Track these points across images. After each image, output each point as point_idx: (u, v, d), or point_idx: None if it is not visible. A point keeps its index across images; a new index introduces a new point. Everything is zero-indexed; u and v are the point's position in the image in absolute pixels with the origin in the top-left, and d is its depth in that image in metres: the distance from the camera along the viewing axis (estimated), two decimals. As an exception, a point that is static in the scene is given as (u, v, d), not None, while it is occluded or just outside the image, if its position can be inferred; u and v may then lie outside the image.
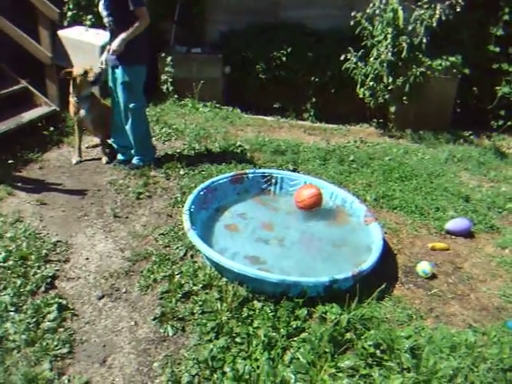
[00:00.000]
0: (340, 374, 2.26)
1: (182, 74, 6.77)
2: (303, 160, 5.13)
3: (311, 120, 7.09)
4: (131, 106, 4.23)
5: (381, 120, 6.88)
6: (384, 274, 3.11)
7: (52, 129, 4.91)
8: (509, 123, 6.68)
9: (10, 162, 4.27)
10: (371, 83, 6.31)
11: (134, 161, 4.55)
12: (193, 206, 3.30)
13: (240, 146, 5.22)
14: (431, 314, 2.88)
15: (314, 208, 3.75)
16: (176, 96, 7.08)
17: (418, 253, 3.55)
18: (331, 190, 3.87)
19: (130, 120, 4.34)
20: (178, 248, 3.21)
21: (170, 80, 6.85)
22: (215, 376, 2.21)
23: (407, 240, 3.72)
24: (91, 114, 4.44)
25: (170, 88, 6.91)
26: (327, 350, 2.35)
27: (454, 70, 6.27)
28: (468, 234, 3.87)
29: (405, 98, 6.31)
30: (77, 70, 4.20)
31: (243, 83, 7.06)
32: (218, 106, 7.14)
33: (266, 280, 2.63)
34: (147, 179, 4.25)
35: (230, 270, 2.73)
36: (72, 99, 4.36)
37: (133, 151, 4.54)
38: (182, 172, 4.44)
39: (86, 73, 4.18)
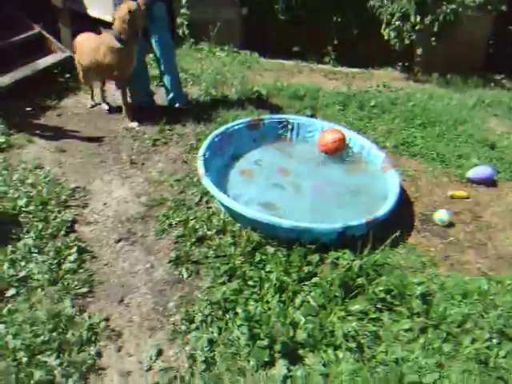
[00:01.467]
0: (349, 318, 2.30)
1: (198, 16, 6.52)
2: (322, 105, 4.98)
3: (332, 64, 6.81)
4: (170, 41, 4.30)
5: (406, 63, 6.56)
6: (399, 221, 3.08)
7: (68, 75, 4.87)
8: (545, 66, 6.28)
9: (27, 109, 4.29)
10: (397, 23, 5.94)
11: (177, 104, 4.55)
12: (207, 152, 3.28)
13: (257, 91, 5.09)
14: (446, 261, 2.86)
15: (336, 153, 3.69)
16: (192, 40, 6.87)
17: (436, 201, 3.48)
18: (349, 136, 3.77)
19: (169, 58, 4.36)
20: (193, 194, 3.23)
21: (186, 23, 6.62)
22: (227, 316, 2.28)
23: (426, 188, 3.64)
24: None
25: (186, 31, 6.69)
26: (337, 295, 2.39)
27: (489, 7, 5.81)
28: (490, 183, 3.75)
29: (433, 38, 5.94)
30: (129, 4, 3.66)
31: (261, 25, 6.77)
32: (235, 50, 6.90)
33: (278, 226, 2.64)
34: (163, 126, 4.22)
35: (243, 216, 2.75)
36: (121, 46, 3.79)
37: (170, 96, 4.53)
38: (197, 118, 4.39)
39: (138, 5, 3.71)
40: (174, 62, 4.52)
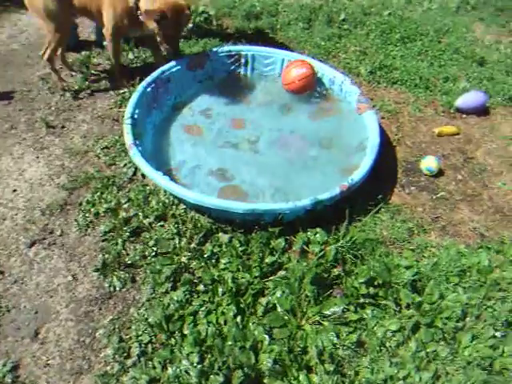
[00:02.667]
0: (325, 324, 1.86)
1: None
2: (282, 24, 4.15)
3: (294, -34, 5.73)
4: None
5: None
6: (380, 176, 2.55)
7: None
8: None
9: None
10: None
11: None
12: (137, 111, 2.57)
13: (204, 12, 4.16)
14: (436, 224, 2.39)
15: (304, 91, 3.03)
16: None
17: (421, 142, 2.93)
18: (316, 68, 3.05)
19: None
20: (125, 166, 2.59)
21: None
22: (173, 341, 1.80)
23: (409, 125, 3.06)
24: None
25: None
26: (309, 294, 1.92)
27: None
28: (482, 111, 3.19)
29: None
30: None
31: None
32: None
33: (231, 211, 2.07)
34: (88, 70, 3.40)
35: (185, 201, 2.16)
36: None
37: (99, 29, 3.59)
38: (131, 55, 3.55)
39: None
40: None
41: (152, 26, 2.67)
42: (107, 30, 2.88)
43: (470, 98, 3.18)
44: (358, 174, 2.26)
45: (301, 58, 3.14)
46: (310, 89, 3.04)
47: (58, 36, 2.92)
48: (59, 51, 3.20)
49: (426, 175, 2.68)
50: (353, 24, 4.20)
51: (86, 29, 3.96)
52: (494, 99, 3.31)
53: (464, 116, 3.18)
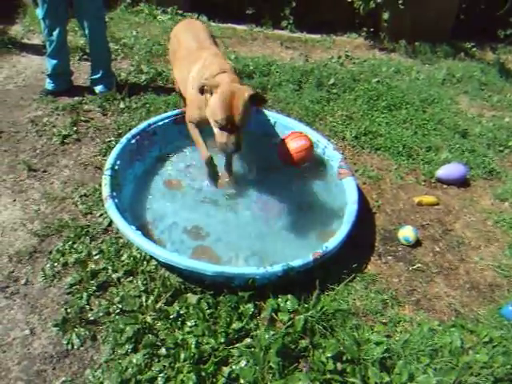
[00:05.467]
0: (289, 399, 1.77)
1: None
2: (274, 84, 4.29)
3: (290, 29, 6.03)
4: (101, 12, 3.55)
5: (371, 29, 5.88)
6: (357, 243, 2.54)
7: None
8: (518, 33, 5.75)
9: None
10: (361, -17, 5.21)
11: (101, 89, 3.76)
12: (118, 162, 2.58)
13: (198, 67, 4.30)
14: (411, 297, 2.36)
15: (303, 163, 2.98)
16: (129, 0, 5.92)
17: (401, 210, 2.95)
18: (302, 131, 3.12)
19: (99, 33, 3.60)
20: (101, 216, 2.56)
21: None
22: (126, 410, 1.70)
23: (390, 192, 3.10)
24: None
25: (120, -11, 5.74)
26: (274, 366, 1.84)
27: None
28: (462, 182, 3.25)
29: (400, 1, 5.27)
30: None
31: (209, -17, 5.88)
32: (180, 12, 6.01)
33: (199, 272, 2.03)
34: (77, 116, 3.45)
35: (155, 258, 2.13)
36: None
37: (94, 76, 3.75)
38: (122, 105, 3.63)
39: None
40: (105, 32, 3.69)
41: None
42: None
43: (450, 169, 3.25)
44: (332, 242, 2.25)
45: (279, 119, 3.20)
46: (309, 160, 2.99)
47: None
48: None
49: (403, 245, 2.67)
50: (342, 89, 4.35)
51: (82, 75, 4.06)
52: (474, 171, 3.38)
53: (445, 187, 3.23)
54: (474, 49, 5.89)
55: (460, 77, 4.98)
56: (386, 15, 5.54)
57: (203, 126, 2.55)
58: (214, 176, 2.70)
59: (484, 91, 4.79)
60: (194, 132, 2.68)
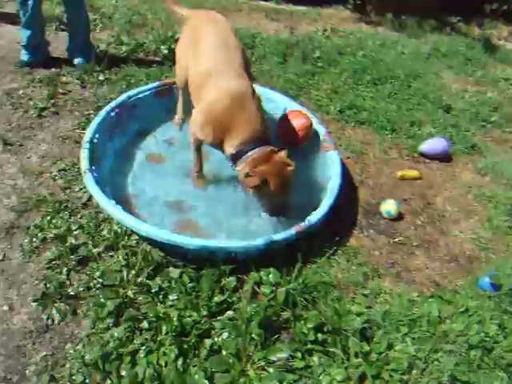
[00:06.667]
0: (270, 369, 1.79)
1: None
2: (258, 57, 4.22)
3: (276, 0, 5.88)
4: None
5: (358, 1, 5.76)
6: (340, 217, 2.55)
7: None
8: (504, 7, 5.71)
9: None
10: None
11: (79, 60, 3.63)
12: (97, 135, 2.51)
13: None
14: (392, 269, 2.39)
15: (303, 142, 2.87)
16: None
17: (383, 184, 2.96)
18: (284, 105, 3.08)
19: (79, 2, 3.46)
20: (80, 190, 2.51)
21: None
22: (108, 382, 1.70)
23: (373, 167, 3.10)
24: None
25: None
26: (256, 337, 1.86)
27: None
28: (445, 157, 3.27)
29: (388, -27, 5.18)
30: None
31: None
32: (161, -20, 5.80)
33: (181, 246, 2.02)
34: (55, 88, 3.34)
35: (136, 233, 2.10)
36: None
37: (72, 45, 3.63)
38: (101, 77, 3.52)
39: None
40: (85, 5, 3.56)
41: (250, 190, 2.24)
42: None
43: (433, 144, 3.26)
44: (315, 215, 2.25)
45: (262, 91, 3.14)
46: (309, 139, 2.89)
47: None
48: None
49: (385, 218, 2.69)
50: (327, 62, 4.29)
51: (60, 46, 3.92)
52: (456, 146, 3.40)
53: (427, 161, 3.24)
54: (461, 23, 5.85)
55: (445, 51, 4.96)
56: (372, -13, 5.43)
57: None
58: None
59: (468, 66, 4.78)
60: (196, 155, 2.52)
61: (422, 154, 3.25)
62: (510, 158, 3.36)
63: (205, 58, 2.37)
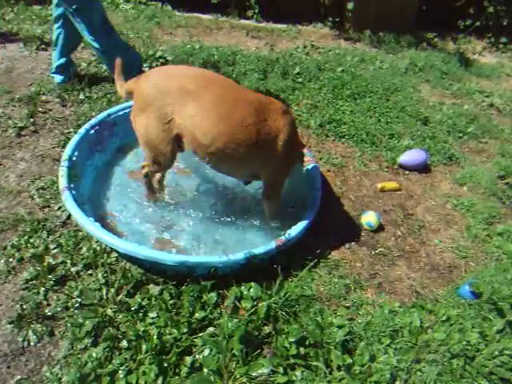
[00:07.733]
0: (252, 385, 1.77)
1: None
2: (239, 74, 4.26)
3: (256, 18, 5.99)
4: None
5: (337, 19, 5.90)
6: (321, 229, 2.56)
7: None
8: (477, 23, 5.90)
9: None
10: (324, -28, 5.22)
11: (59, 80, 3.63)
12: (76, 153, 2.50)
13: (161, 57, 4.23)
14: (373, 280, 2.40)
15: None
16: (89, -13, 5.72)
17: (364, 196, 2.99)
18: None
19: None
20: (59, 209, 2.48)
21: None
22: (85, 404, 1.66)
23: (354, 179, 3.13)
24: None
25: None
26: (237, 353, 1.84)
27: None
28: (424, 168, 3.32)
29: (364, -9, 5.32)
30: None
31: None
32: (143, 1, 5.88)
33: (160, 262, 2.00)
34: (35, 107, 3.33)
35: (115, 250, 2.08)
36: None
37: (56, 63, 3.58)
38: (82, 96, 3.52)
39: None
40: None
41: None
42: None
43: (412, 156, 3.31)
44: (295, 229, 2.26)
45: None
46: None
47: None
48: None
49: (366, 230, 2.71)
50: (307, 78, 4.36)
51: (40, 65, 3.92)
52: (434, 157, 3.46)
53: (407, 172, 3.29)
54: (436, 39, 6.02)
55: (422, 66, 5.07)
56: (350, 5, 5.57)
57: None
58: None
59: (445, 80, 4.89)
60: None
61: (402, 166, 3.30)
62: (487, 167, 3.43)
63: None
